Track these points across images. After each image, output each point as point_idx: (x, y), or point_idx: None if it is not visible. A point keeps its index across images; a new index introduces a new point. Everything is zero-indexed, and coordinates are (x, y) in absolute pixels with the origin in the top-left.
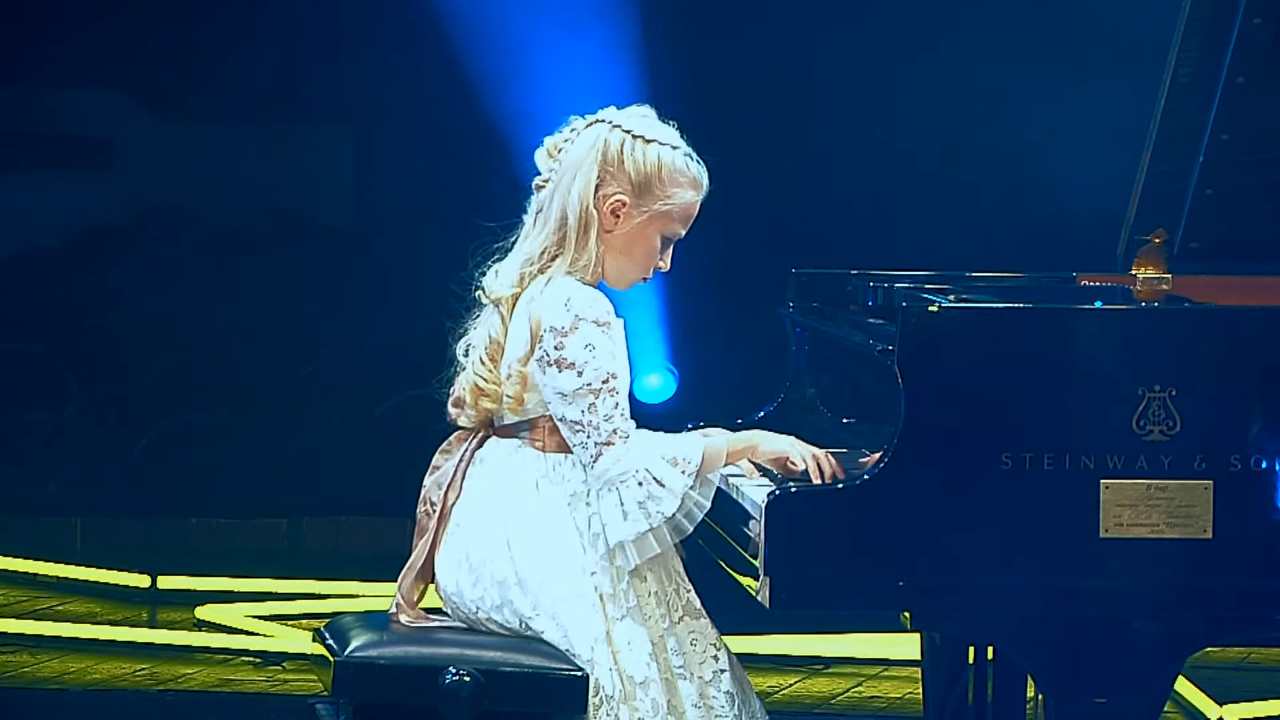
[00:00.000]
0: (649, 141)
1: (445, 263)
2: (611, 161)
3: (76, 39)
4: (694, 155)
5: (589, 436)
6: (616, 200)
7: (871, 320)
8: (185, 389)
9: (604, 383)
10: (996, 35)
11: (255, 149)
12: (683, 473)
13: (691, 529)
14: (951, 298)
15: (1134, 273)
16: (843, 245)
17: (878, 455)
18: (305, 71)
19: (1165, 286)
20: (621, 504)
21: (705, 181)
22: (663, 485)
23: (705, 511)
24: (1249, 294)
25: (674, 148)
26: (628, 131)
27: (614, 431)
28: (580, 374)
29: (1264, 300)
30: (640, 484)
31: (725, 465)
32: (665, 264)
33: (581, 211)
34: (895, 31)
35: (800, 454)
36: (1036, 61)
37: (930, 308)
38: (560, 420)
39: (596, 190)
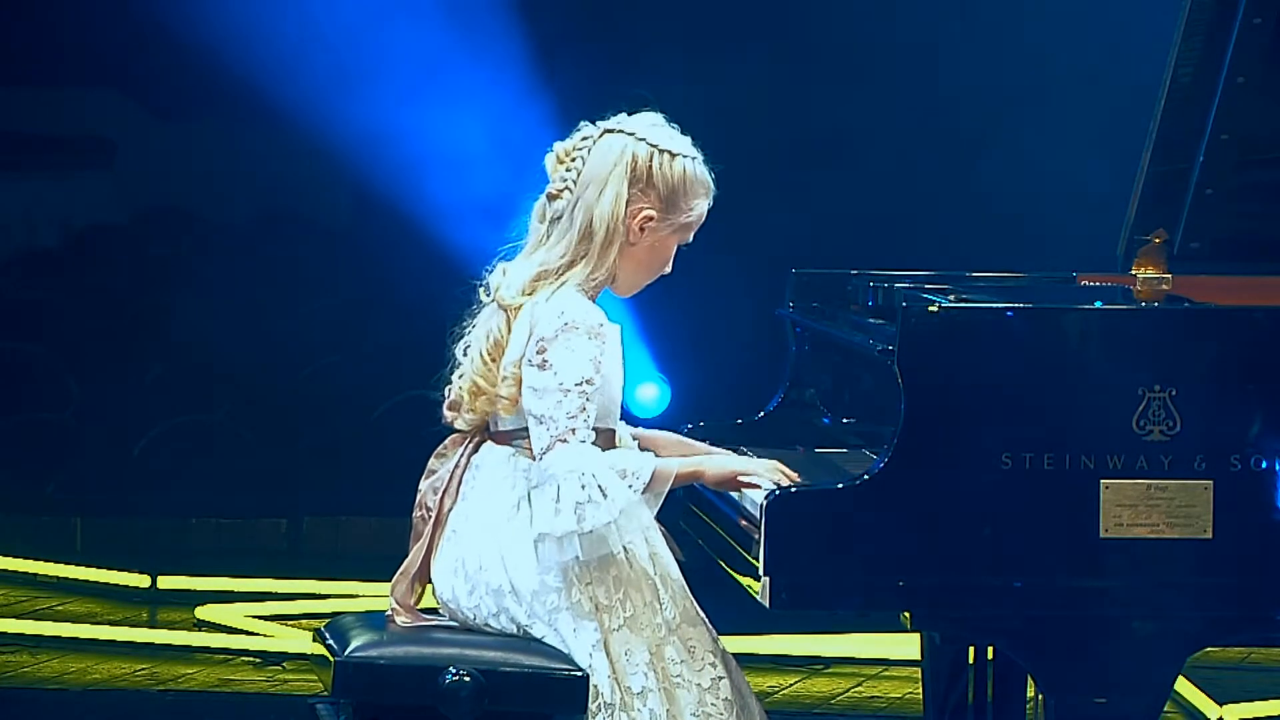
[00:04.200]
0: (674, 155)
1: (445, 263)
2: (641, 176)
3: (76, 39)
4: (706, 161)
5: (547, 430)
6: (645, 215)
7: (871, 320)
8: (185, 389)
9: (576, 384)
10: (996, 34)
11: (255, 149)
12: (629, 486)
13: (623, 544)
14: (951, 298)
15: (1134, 273)
16: (843, 245)
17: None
18: (306, 72)
19: (1165, 286)
20: (557, 500)
21: (714, 186)
22: (605, 494)
23: (643, 530)
24: (1249, 294)
25: (694, 159)
26: (654, 145)
27: (571, 430)
28: (556, 373)
29: (1264, 300)
30: (582, 486)
31: (672, 488)
32: (670, 269)
33: (613, 225)
34: (894, 32)
35: (751, 471)
36: (1036, 61)
37: (930, 308)
38: (529, 415)
39: (627, 205)
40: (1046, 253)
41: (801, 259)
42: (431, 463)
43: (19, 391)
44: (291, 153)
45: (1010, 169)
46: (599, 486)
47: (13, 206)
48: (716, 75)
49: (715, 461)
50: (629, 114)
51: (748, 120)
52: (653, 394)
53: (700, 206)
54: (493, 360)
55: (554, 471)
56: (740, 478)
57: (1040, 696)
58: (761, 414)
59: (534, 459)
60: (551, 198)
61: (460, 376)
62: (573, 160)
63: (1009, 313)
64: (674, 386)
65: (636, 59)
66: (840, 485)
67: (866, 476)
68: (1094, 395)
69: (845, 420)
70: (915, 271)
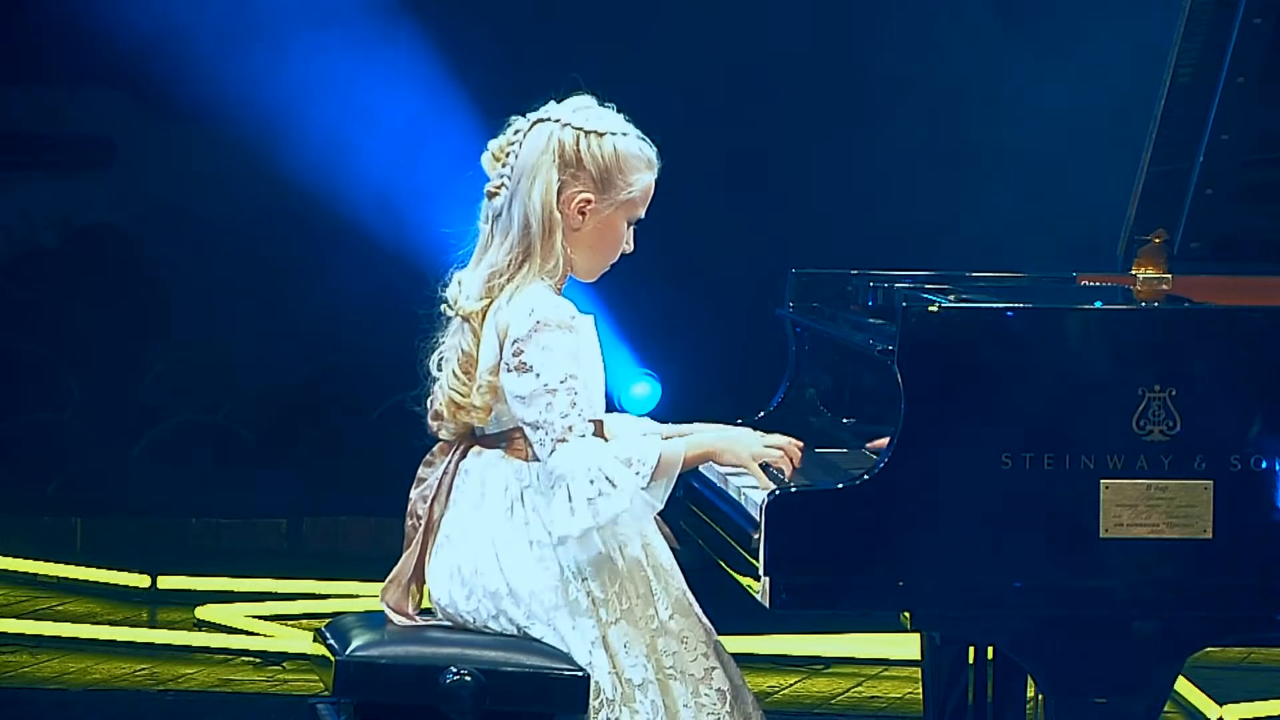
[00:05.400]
0: (602, 134)
1: (446, 263)
2: (570, 161)
3: (76, 39)
4: (642, 135)
5: (546, 434)
6: (582, 199)
7: (871, 320)
8: (185, 389)
9: (561, 382)
10: (996, 34)
11: (255, 149)
12: (636, 473)
13: (641, 531)
14: (951, 298)
15: (1134, 273)
16: (843, 245)
17: (884, 440)
18: (306, 73)
19: (1165, 286)
20: (570, 500)
21: (656, 159)
22: (614, 484)
23: (655, 512)
24: (1249, 294)
25: (624, 134)
26: (579, 128)
27: (569, 428)
28: (538, 375)
29: (1264, 300)
30: (591, 481)
31: (682, 470)
32: (630, 247)
33: (545, 216)
34: (895, 31)
35: (767, 454)
36: (1037, 61)
37: (930, 308)
38: (523, 424)
39: (559, 192)
40: (1046, 253)
41: (801, 259)
42: (420, 471)
43: (19, 391)
44: (292, 153)
45: (1010, 168)
46: (607, 478)
47: (13, 206)
48: (718, 74)
49: (729, 447)
50: (558, 101)
51: (748, 120)
52: (644, 391)
53: (641, 180)
54: (467, 375)
55: (561, 472)
56: (757, 458)
57: (1040, 696)
58: (762, 414)
59: (524, 460)
60: (490, 196)
61: (439, 391)
62: (507, 156)
63: (1009, 313)
64: (675, 387)
65: (633, 56)
66: (840, 485)
67: (866, 476)
68: (1094, 395)
69: (845, 420)
70: (915, 271)
